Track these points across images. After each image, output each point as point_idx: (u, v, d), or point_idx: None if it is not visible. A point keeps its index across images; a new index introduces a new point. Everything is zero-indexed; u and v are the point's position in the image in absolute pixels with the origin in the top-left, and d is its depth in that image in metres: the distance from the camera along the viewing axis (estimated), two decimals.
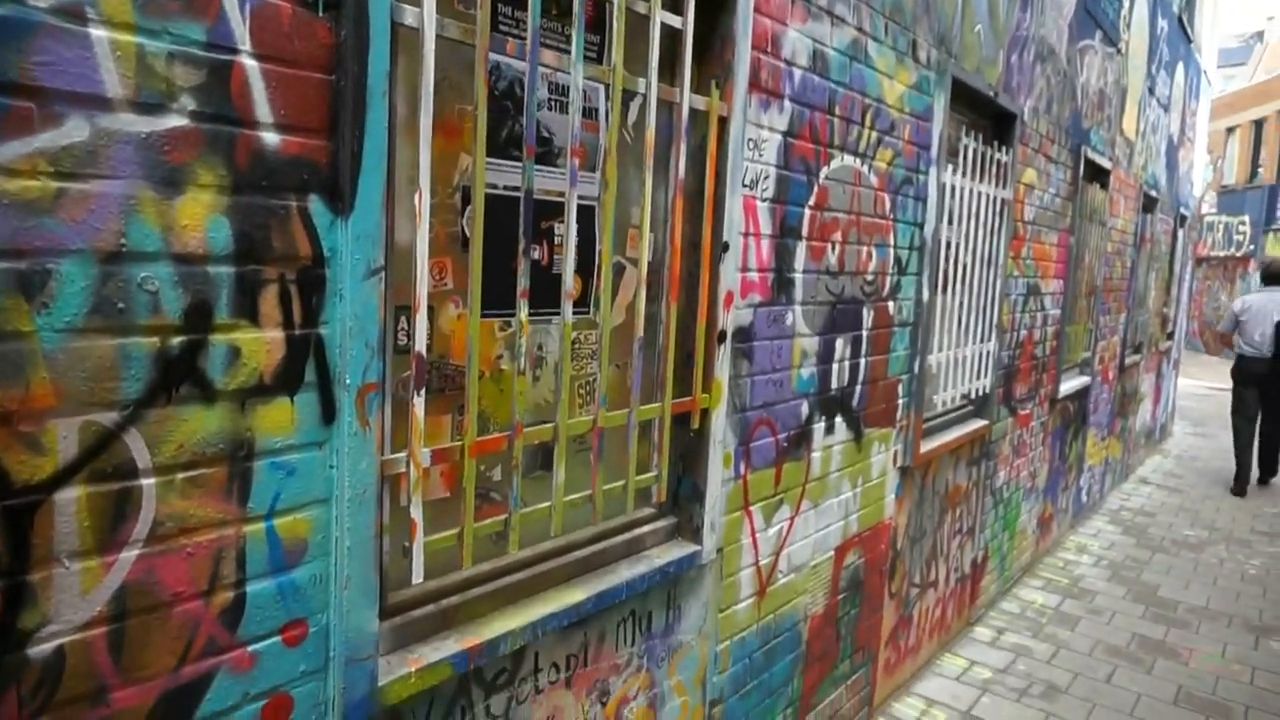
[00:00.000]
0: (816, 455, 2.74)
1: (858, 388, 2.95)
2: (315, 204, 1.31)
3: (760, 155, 2.30)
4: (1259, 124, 22.61)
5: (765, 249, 2.36)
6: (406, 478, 1.50)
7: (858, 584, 3.17)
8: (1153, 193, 7.93)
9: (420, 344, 1.47)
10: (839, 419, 2.85)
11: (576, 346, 1.99)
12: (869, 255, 2.91)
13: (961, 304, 3.88)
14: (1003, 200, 4.13)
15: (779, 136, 2.36)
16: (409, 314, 1.57)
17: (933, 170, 3.30)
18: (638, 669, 2.14)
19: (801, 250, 2.53)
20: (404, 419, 1.52)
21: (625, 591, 2.00)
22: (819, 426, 2.74)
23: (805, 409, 2.64)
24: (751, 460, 2.42)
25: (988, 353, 4.23)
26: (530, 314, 1.84)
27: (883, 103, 2.88)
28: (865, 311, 2.94)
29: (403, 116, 1.52)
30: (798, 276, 2.52)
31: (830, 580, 2.96)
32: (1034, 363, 4.95)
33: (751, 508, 2.45)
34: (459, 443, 1.60)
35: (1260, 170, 22.51)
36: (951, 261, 3.71)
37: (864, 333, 2.94)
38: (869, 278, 2.93)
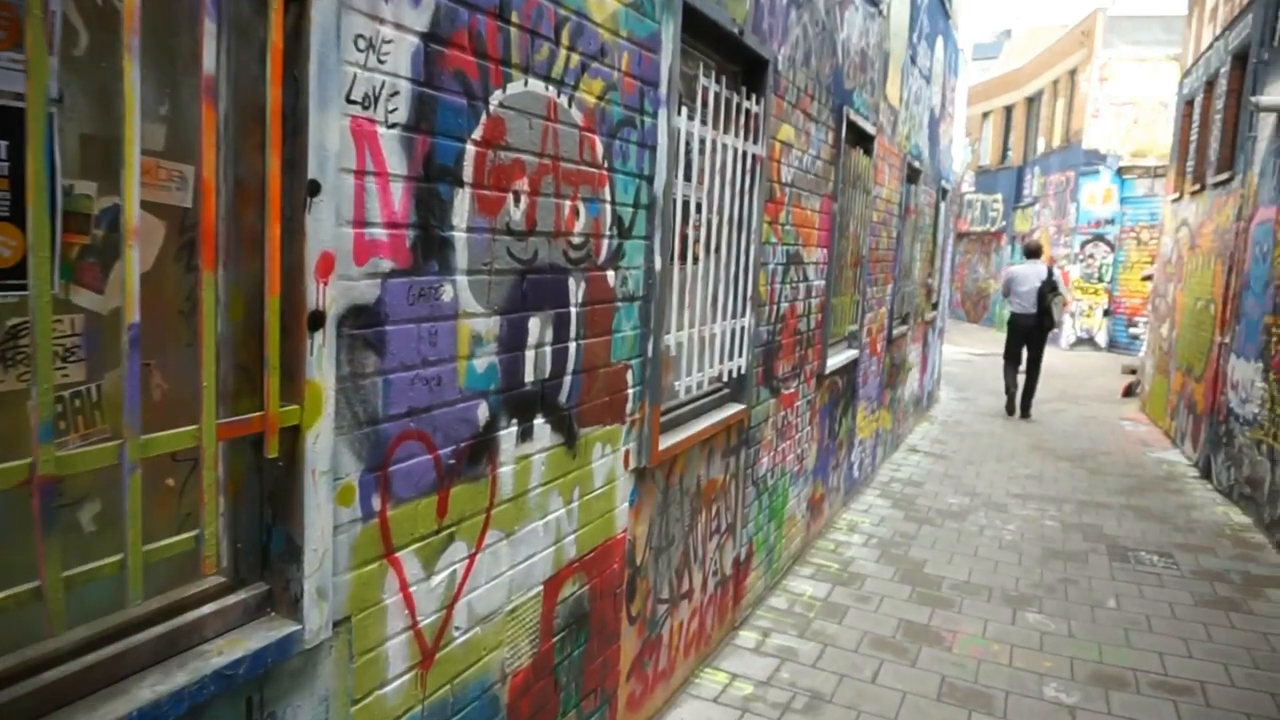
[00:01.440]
0: (506, 470, 2.12)
1: (567, 379, 2.35)
2: None
3: (381, 61, 1.61)
4: (1009, 110, 24.53)
5: (399, 196, 1.69)
6: None
7: (582, 617, 2.60)
8: (916, 163, 7.98)
9: None
10: (540, 420, 2.24)
11: (24, 340, 1.23)
12: (574, 212, 2.31)
13: (709, 275, 3.40)
14: (754, 156, 3.69)
15: (414, 38, 1.68)
16: None
17: (663, 113, 2.75)
18: None
19: (464, 201, 1.87)
20: None
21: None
22: (508, 432, 2.11)
23: (484, 412, 2.01)
24: (393, 490, 1.75)
25: (743, 329, 3.79)
26: None
27: (587, 18, 2.27)
28: (574, 283, 2.34)
29: None
30: (459, 236, 1.86)
31: (540, 622, 2.36)
32: (797, 338, 4.62)
33: (399, 554, 1.78)
34: None
35: (1010, 153, 24.47)
36: (694, 225, 3.20)
37: (572, 310, 2.34)
38: (576, 240, 2.33)
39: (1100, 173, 18.92)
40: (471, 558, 2.02)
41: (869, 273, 6.33)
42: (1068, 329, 19.23)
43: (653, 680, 3.22)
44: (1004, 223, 24.10)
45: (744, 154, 3.58)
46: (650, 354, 2.81)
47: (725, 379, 3.74)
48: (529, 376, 2.17)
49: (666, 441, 3.02)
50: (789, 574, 4.80)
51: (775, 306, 4.20)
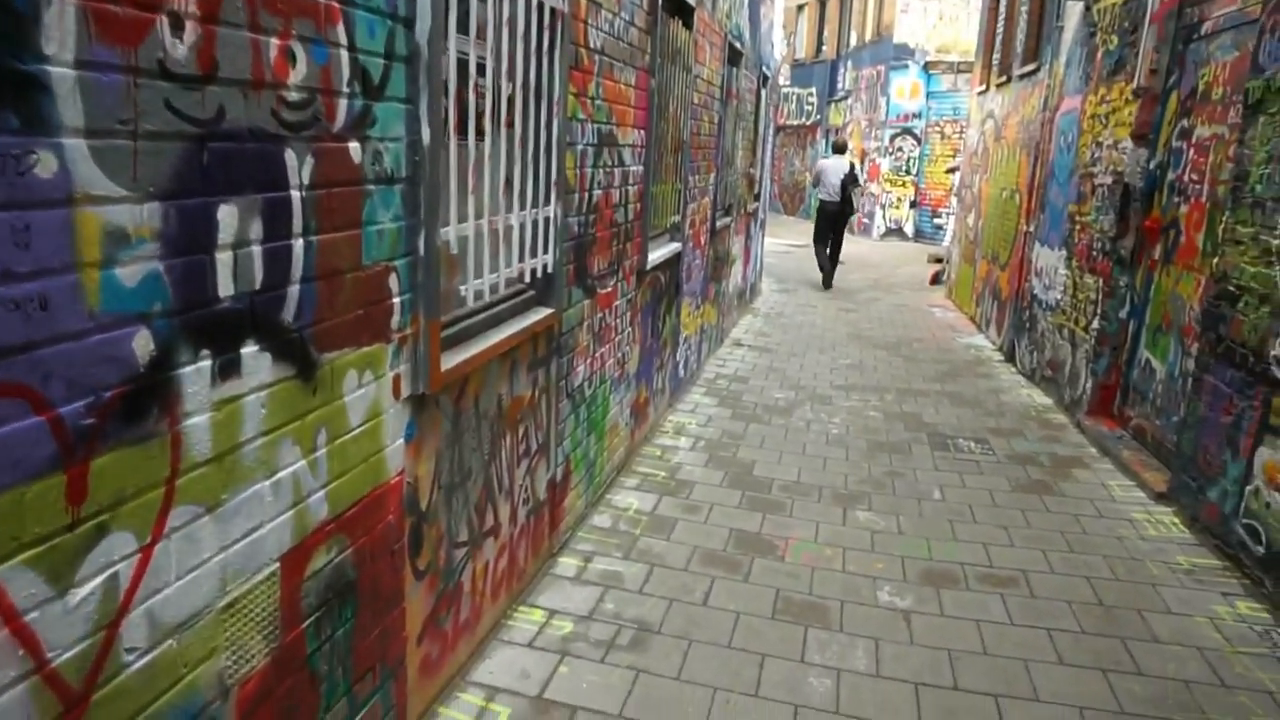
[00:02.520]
0: (198, 422, 1.51)
1: (293, 289, 1.73)
2: None
3: None
4: (823, 3, 24.47)
5: None
6: None
7: (345, 587, 2.06)
8: (738, 44, 7.52)
9: None
10: (252, 348, 1.63)
11: None
12: (287, 55, 1.64)
13: (501, 155, 2.79)
14: (555, 11, 3.06)
15: None
16: None
17: None
18: None
19: (67, 16, 1.19)
20: None
21: None
22: (195, 369, 1.49)
23: (144, 343, 1.37)
24: None
25: (548, 220, 3.24)
26: None
27: None
28: (294, 156, 1.69)
29: None
30: (62, 75, 1.19)
31: (278, 609, 1.80)
32: (614, 230, 4.11)
33: None
34: None
35: (824, 46, 24.55)
36: (477, 91, 2.57)
37: (295, 194, 1.71)
38: (293, 96, 1.67)
39: (909, 67, 19.27)
40: (146, 550, 1.42)
41: (691, 159, 5.88)
42: (878, 220, 19.89)
43: (454, 635, 2.75)
44: (819, 116, 24.38)
45: (541, 6, 2.95)
46: (422, 252, 2.22)
47: (529, 280, 3.19)
48: (225, 289, 1.54)
49: (452, 360, 2.47)
50: (613, 487, 4.44)
51: (587, 194, 3.65)
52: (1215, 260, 4.36)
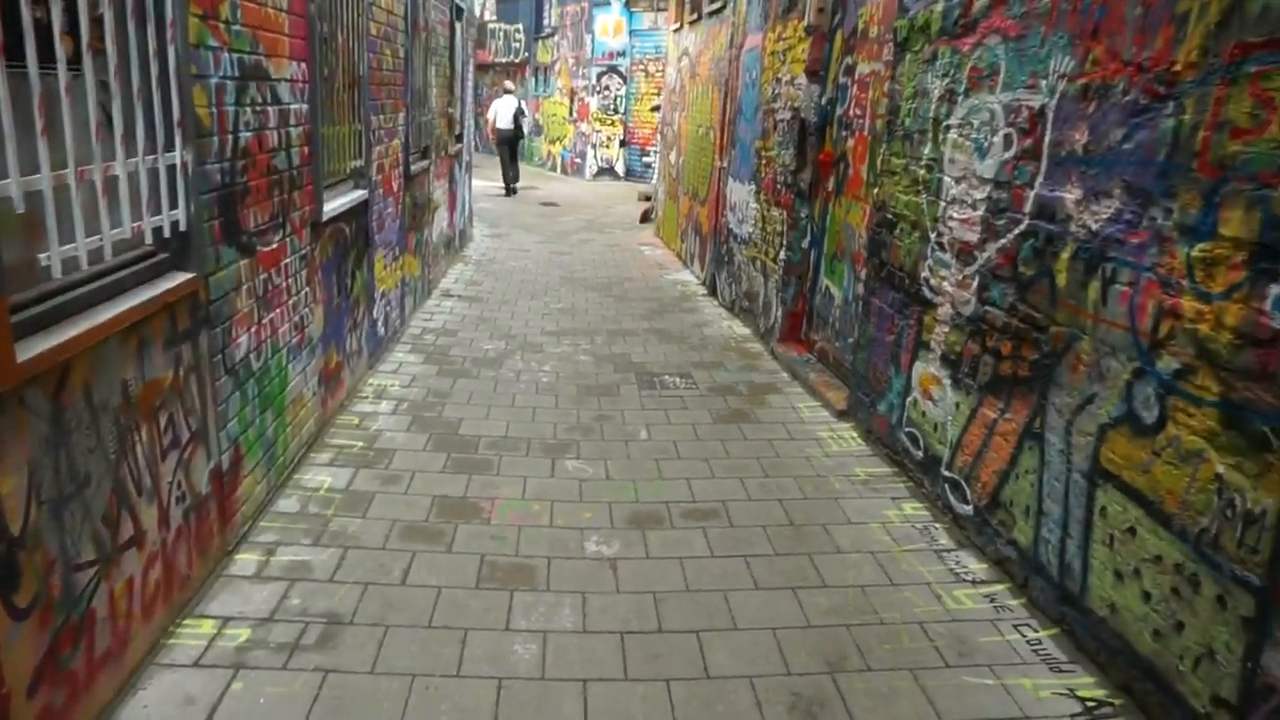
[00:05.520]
0: None
1: None
2: None
3: None
4: None
5: None
6: None
7: None
8: None
9: None
10: None
11: None
12: None
13: (91, 88, 2.27)
14: None
15: None
16: None
17: None
18: None
19: None
20: None
21: None
22: None
23: None
24: None
25: (174, 169, 2.73)
26: None
27: None
28: None
29: None
30: None
31: None
32: (275, 178, 3.62)
33: None
34: None
35: None
36: (34, 4, 2.03)
37: None
38: None
39: (611, 4, 19.38)
40: None
41: (372, 97, 5.39)
42: (590, 160, 20.07)
43: (88, 673, 2.30)
44: (526, 54, 23.98)
45: None
46: None
47: (154, 240, 2.68)
48: None
49: (37, 346, 1.99)
50: (302, 465, 4.02)
51: (231, 137, 3.15)
52: (876, 190, 4.72)
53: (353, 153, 5.06)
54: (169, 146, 2.70)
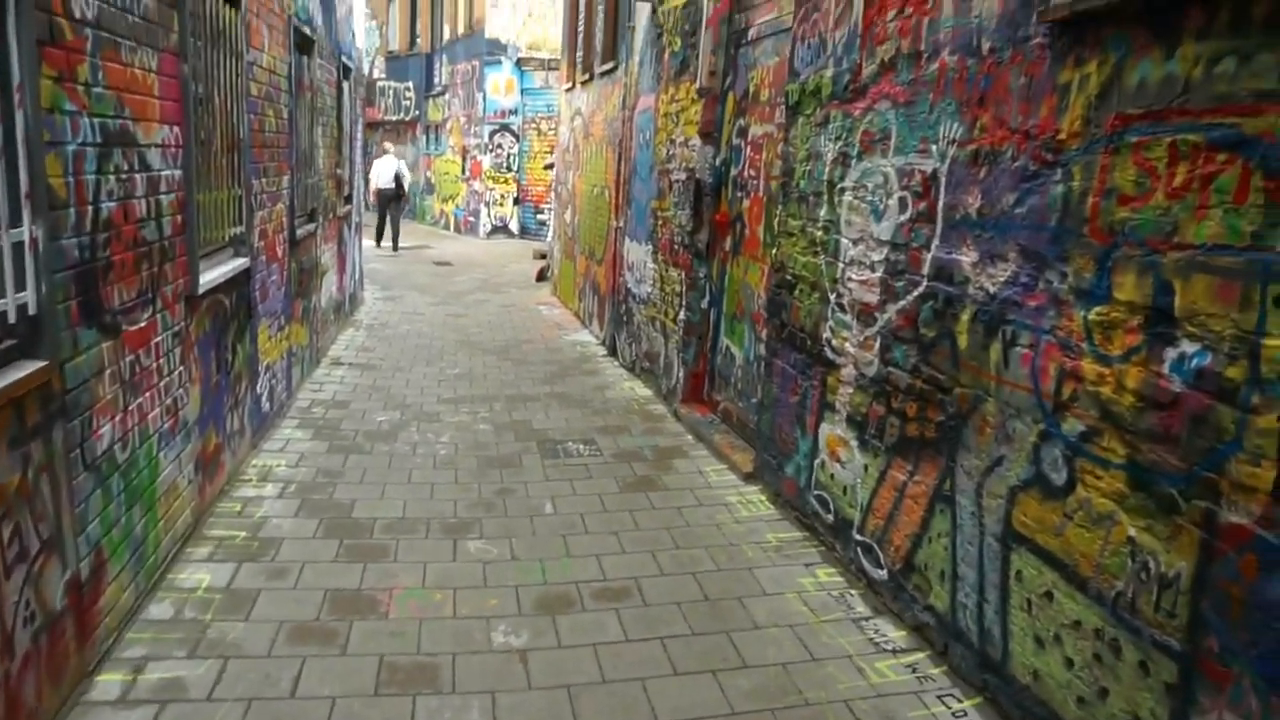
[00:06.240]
0: None
1: None
2: None
3: None
4: None
5: None
6: None
7: None
8: (307, 30, 6.79)
9: None
10: None
11: None
12: None
13: None
14: None
15: None
16: None
17: None
18: None
19: None
20: None
21: None
22: None
23: None
24: None
25: (24, 246, 2.46)
26: None
27: None
28: None
29: None
30: None
31: None
32: (142, 250, 3.34)
33: None
34: None
35: (419, 39, 23.95)
36: None
37: None
38: None
39: (503, 63, 19.47)
40: None
41: (254, 160, 5.12)
42: (484, 218, 19.92)
43: None
44: (417, 112, 23.78)
45: None
46: None
47: (2, 324, 2.40)
48: None
49: None
50: (177, 562, 3.66)
51: (91, 208, 2.88)
52: (774, 251, 4.75)
53: (233, 219, 4.78)
54: (14, 222, 2.43)
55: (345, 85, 9.27)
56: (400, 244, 15.98)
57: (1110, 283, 2.40)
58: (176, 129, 3.71)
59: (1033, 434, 2.71)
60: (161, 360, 3.56)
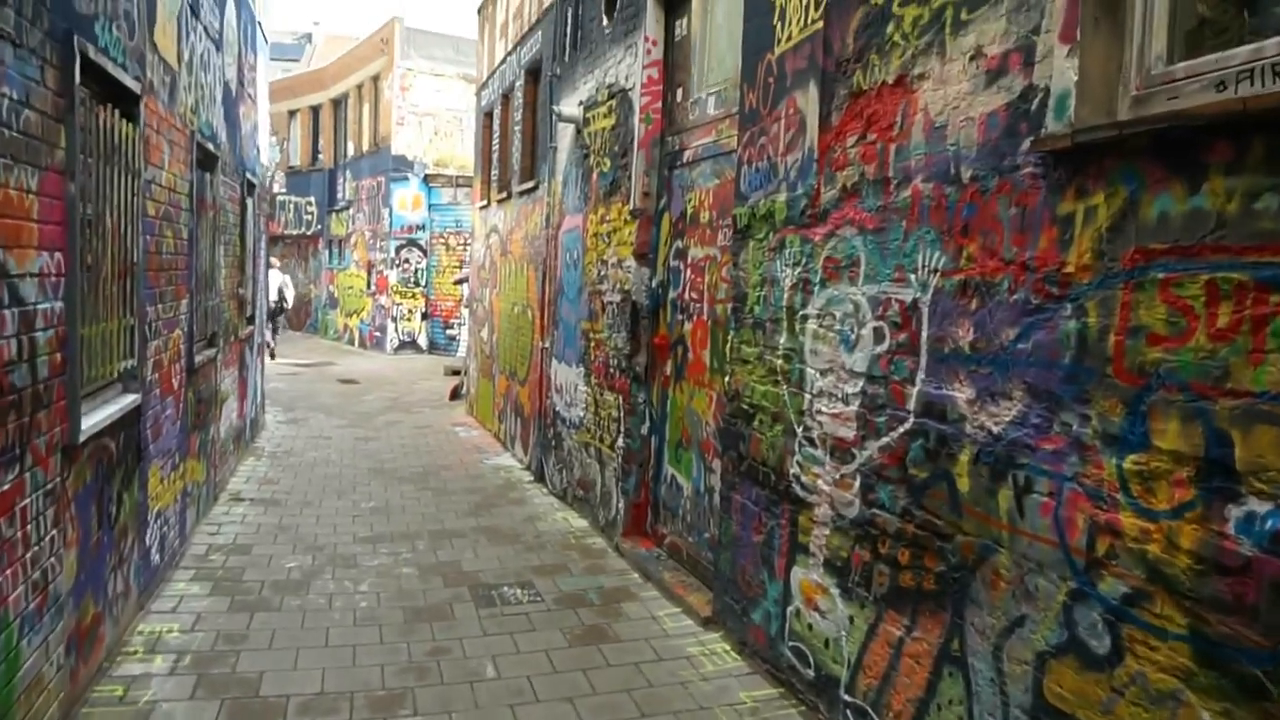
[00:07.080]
0: None
1: None
2: None
3: None
4: (316, 110, 23.71)
5: None
6: None
7: None
8: (211, 146, 6.38)
9: None
10: None
11: None
12: None
13: None
14: None
15: None
16: None
17: None
18: None
19: None
20: None
21: None
22: None
23: None
24: None
25: None
26: None
27: None
28: None
29: None
30: None
31: None
32: (10, 399, 2.81)
33: None
34: None
35: (321, 154, 23.71)
36: None
37: None
38: None
39: (410, 179, 19.34)
40: None
41: (149, 285, 4.61)
42: (391, 333, 19.35)
43: None
44: (319, 226, 23.30)
45: None
46: None
47: None
48: None
49: None
50: None
51: None
52: (726, 379, 4.48)
53: (123, 351, 4.23)
54: None
55: (249, 201, 8.82)
56: (303, 361, 15.29)
57: (1147, 428, 2.19)
58: (59, 255, 3.23)
59: (1061, 593, 2.44)
60: (28, 528, 2.96)
